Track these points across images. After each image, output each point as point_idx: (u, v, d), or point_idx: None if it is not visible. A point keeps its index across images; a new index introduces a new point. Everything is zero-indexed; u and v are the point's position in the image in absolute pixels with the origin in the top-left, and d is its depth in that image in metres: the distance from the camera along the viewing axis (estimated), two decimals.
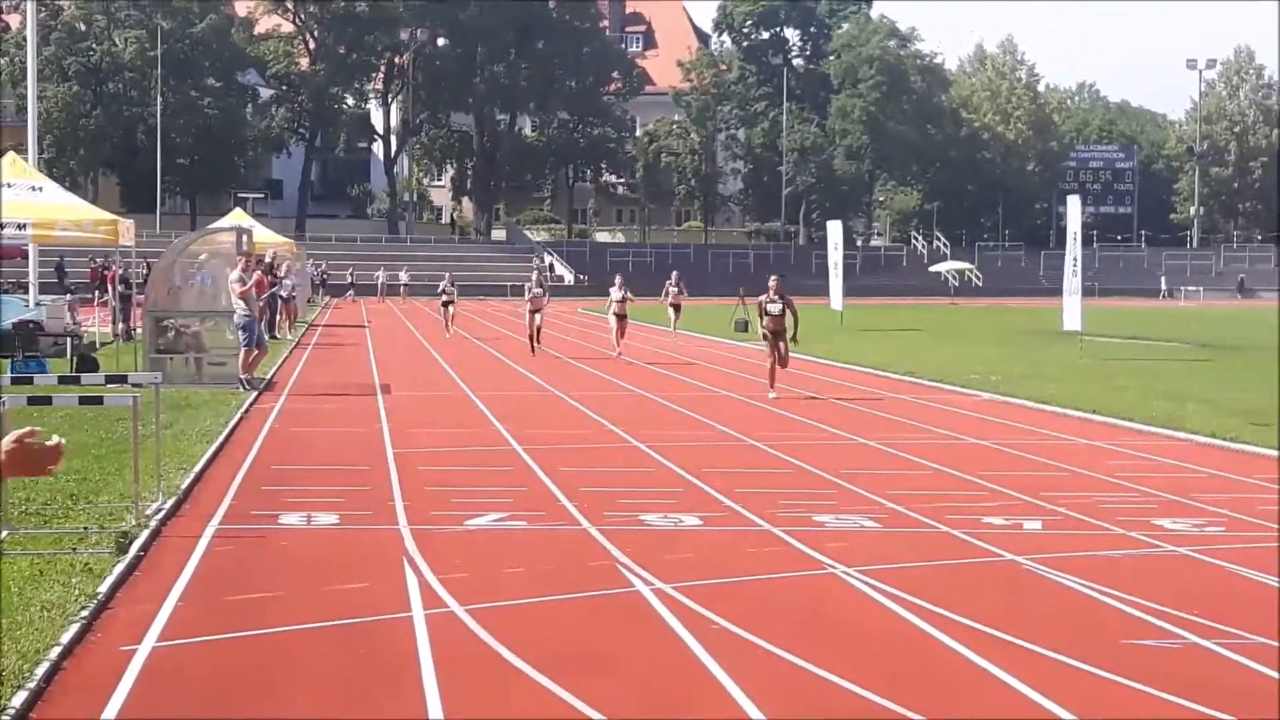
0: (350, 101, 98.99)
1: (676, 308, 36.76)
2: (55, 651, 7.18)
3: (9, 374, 18.90)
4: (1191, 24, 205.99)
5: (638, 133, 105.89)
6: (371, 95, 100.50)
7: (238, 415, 17.90)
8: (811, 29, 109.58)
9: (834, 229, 48.44)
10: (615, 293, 30.29)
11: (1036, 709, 6.77)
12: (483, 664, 7.35)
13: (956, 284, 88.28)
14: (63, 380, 13.60)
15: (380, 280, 70.79)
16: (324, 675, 7.19)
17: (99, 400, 11.98)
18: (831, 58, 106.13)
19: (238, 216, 44.18)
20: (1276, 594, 9.13)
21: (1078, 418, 19.24)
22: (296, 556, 9.95)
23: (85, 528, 10.28)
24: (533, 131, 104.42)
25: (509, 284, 76.33)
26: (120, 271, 31.35)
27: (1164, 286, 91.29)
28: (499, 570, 9.50)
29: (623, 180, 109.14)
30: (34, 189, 22.13)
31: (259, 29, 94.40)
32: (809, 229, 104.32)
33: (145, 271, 31.08)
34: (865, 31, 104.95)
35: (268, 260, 33.42)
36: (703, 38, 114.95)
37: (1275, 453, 15.41)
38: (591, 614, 8.51)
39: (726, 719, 6.59)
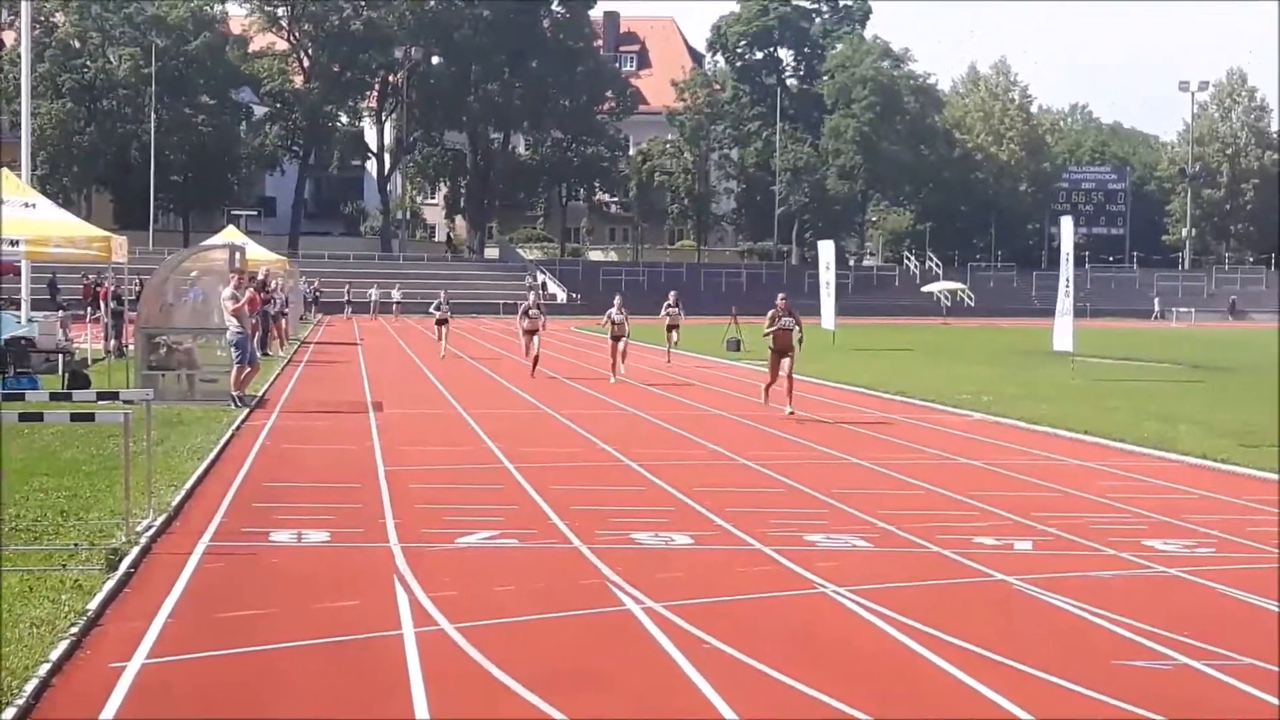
0: (344, 119, 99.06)
1: (674, 327, 35.56)
2: (45, 668, 7.17)
3: (1, 390, 18.89)
4: (1184, 46, 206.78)
5: (631, 152, 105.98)
6: (365, 113, 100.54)
7: (229, 432, 17.88)
8: (805, 49, 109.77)
9: (825, 249, 48.50)
10: (615, 314, 29.33)
11: None
12: (473, 682, 7.35)
13: (949, 304, 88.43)
14: (54, 396, 13.57)
15: (373, 298, 70.80)
16: (314, 693, 7.18)
17: (90, 417, 11.96)
18: (825, 78, 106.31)
19: (231, 234, 44.16)
20: (1267, 615, 9.14)
21: (1069, 438, 19.26)
22: (287, 574, 9.94)
23: (75, 544, 10.26)
24: (526, 150, 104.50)
25: (501, 302, 76.35)
26: (113, 288, 31.34)
27: (1157, 308, 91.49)
28: (490, 588, 9.50)
29: (616, 199, 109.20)
30: (27, 205, 22.10)
31: (253, 47, 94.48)
32: (802, 248, 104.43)
33: (138, 288, 31.07)
34: (859, 52, 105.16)
35: (260, 278, 33.42)
36: (696, 57, 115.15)
37: (1267, 474, 15.43)
38: (582, 632, 8.51)
39: None
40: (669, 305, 35.70)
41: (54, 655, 7.39)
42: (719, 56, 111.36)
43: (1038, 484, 15.05)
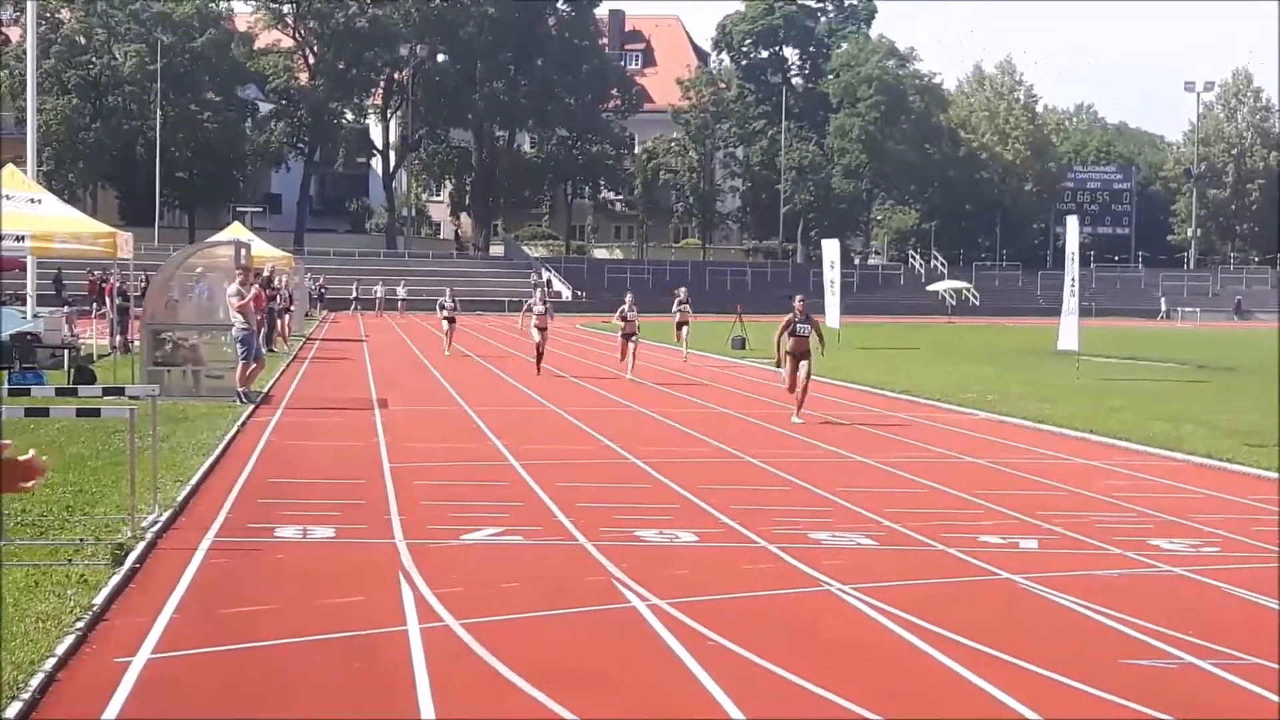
0: (349, 116, 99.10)
1: (684, 325, 34.83)
2: (50, 663, 7.17)
3: (6, 385, 18.92)
4: (1190, 46, 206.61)
5: (636, 150, 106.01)
6: (371, 110, 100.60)
7: (234, 428, 17.89)
8: (810, 48, 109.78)
9: (829, 247, 48.44)
10: (628, 311, 28.77)
11: None
12: (478, 678, 7.35)
13: (954, 303, 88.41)
14: (60, 392, 13.59)
15: (379, 295, 70.88)
16: (319, 689, 7.18)
17: (96, 412, 11.99)
18: (830, 77, 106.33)
19: (236, 230, 44.26)
20: (1273, 615, 9.13)
21: (1074, 437, 19.24)
22: (292, 570, 9.94)
23: (81, 539, 10.27)
24: (531, 148, 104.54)
25: (507, 299, 76.37)
26: (118, 284, 31.35)
27: (1163, 307, 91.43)
28: (495, 585, 9.49)
29: (621, 197, 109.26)
30: (33, 201, 22.13)
31: (259, 44, 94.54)
32: (807, 247, 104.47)
33: (143, 284, 31.08)
34: (864, 51, 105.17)
35: (265, 274, 33.45)
36: (702, 56, 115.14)
37: (1272, 474, 15.42)
38: (587, 629, 8.51)
39: None
40: (680, 302, 34.95)
41: (60, 650, 7.40)
42: (724, 55, 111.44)
43: (1043, 483, 15.04)
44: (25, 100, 40.41)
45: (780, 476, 15.13)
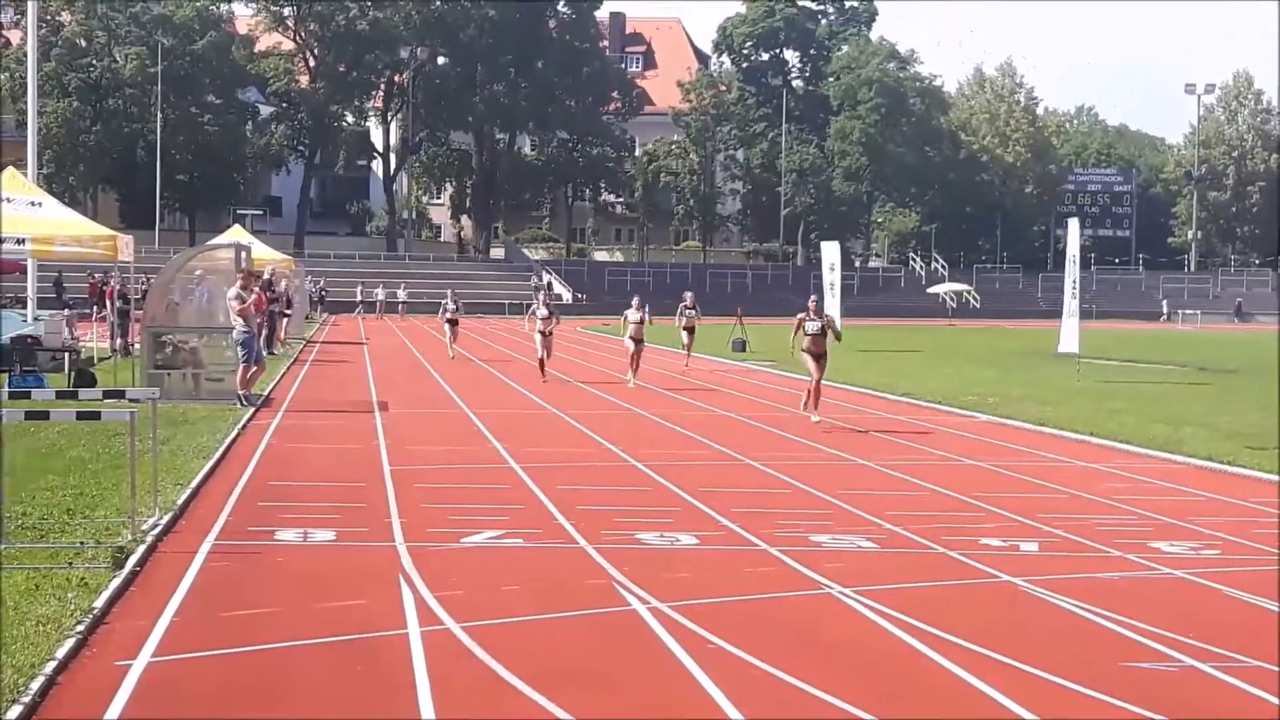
0: (350, 119, 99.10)
1: (690, 330, 33.84)
2: (50, 666, 7.18)
3: (7, 388, 18.92)
4: (1190, 49, 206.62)
5: (637, 152, 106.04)
6: (371, 113, 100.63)
7: (235, 431, 17.89)
8: (811, 51, 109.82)
9: (829, 249, 48.47)
10: (633, 314, 28.04)
11: None
12: (478, 681, 7.35)
13: (954, 305, 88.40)
14: (60, 395, 13.60)
15: (379, 298, 70.92)
16: (319, 692, 7.18)
17: (96, 415, 11.97)
18: (831, 79, 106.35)
19: (237, 233, 44.23)
20: (1273, 617, 9.13)
21: (1075, 440, 19.24)
22: (292, 573, 9.94)
23: (81, 543, 10.27)
24: (532, 150, 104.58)
25: (507, 302, 76.42)
26: (119, 287, 31.36)
27: (1165, 310, 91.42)
28: (495, 588, 9.49)
29: (621, 200, 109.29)
30: (33, 204, 22.12)
31: (259, 46, 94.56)
32: (807, 250, 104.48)
33: (144, 287, 31.09)
34: (865, 54, 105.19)
35: (266, 277, 33.44)
36: (702, 58, 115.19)
37: (1272, 477, 15.42)
38: (588, 632, 8.51)
39: None
40: (685, 307, 34.08)
41: (60, 653, 7.40)
42: (725, 57, 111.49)
43: (1043, 485, 15.04)
44: (26, 103, 40.43)
45: (781, 479, 15.13)
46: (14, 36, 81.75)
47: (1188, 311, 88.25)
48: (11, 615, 8.03)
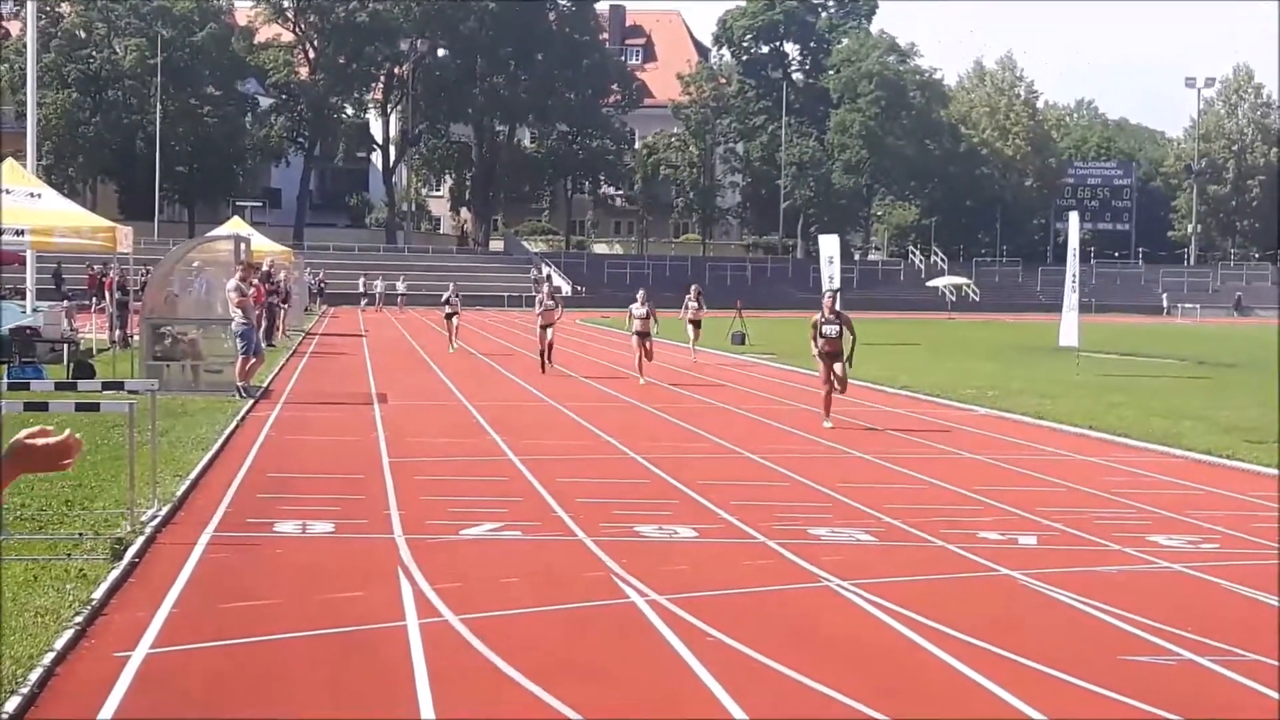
0: (349, 111, 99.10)
1: (696, 324, 33.56)
2: (49, 657, 7.17)
3: (6, 379, 18.89)
4: (1190, 42, 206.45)
5: (636, 145, 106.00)
6: (371, 105, 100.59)
7: (234, 423, 17.89)
8: (811, 44, 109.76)
9: (827, 242, 48.26)
10: (638, 309, 27.13)
11: None
12: (477, 674, 7.35)
13: (954, 299, 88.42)
14: (59, 386, 13.57)
15: (379, 290, 70.90)
16: (318, 684, 7.18)
17: (95, 407, 11.97)
18: (831, 72, 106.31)
19: (236, 225, 44.20)
20: (1272, 611, 9.13)
21: (1074, 433, 19.24)
22: (291, 565, 9.94)
23: (80, 534, 10.26)
24: (531, 143, 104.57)
25: (506, 294, 76.43)
26: (118, 278, 31.33)
27: (1165, 303, 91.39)
28: (494, 580, 9.49)
29: (621, 192, 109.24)
30: (32, 195, 22.12)
31: (259, 38, 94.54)
32: (807, 242, 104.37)
33: (143, 279, 31.07)
34: (865, 47, 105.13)
35: (265, 269, 33.43)
36: (702, 51, 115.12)
37: (1272, 470, 15.42)
38: (586, 625, 8.50)
39: None
40: (690, 300, 33.91)
41: (59, 644, 7.40)
42: (725, 50, 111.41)
43: (1042, 479, 15.04)
44: (25, 94, 40.40)
45: (780, 472, 15.13)
46: (14, 28, 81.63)
47: (1187, 305, 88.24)
48: (10, 606, 8.02)
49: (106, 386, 13.49)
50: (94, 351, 27.67)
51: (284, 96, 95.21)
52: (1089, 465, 16.24)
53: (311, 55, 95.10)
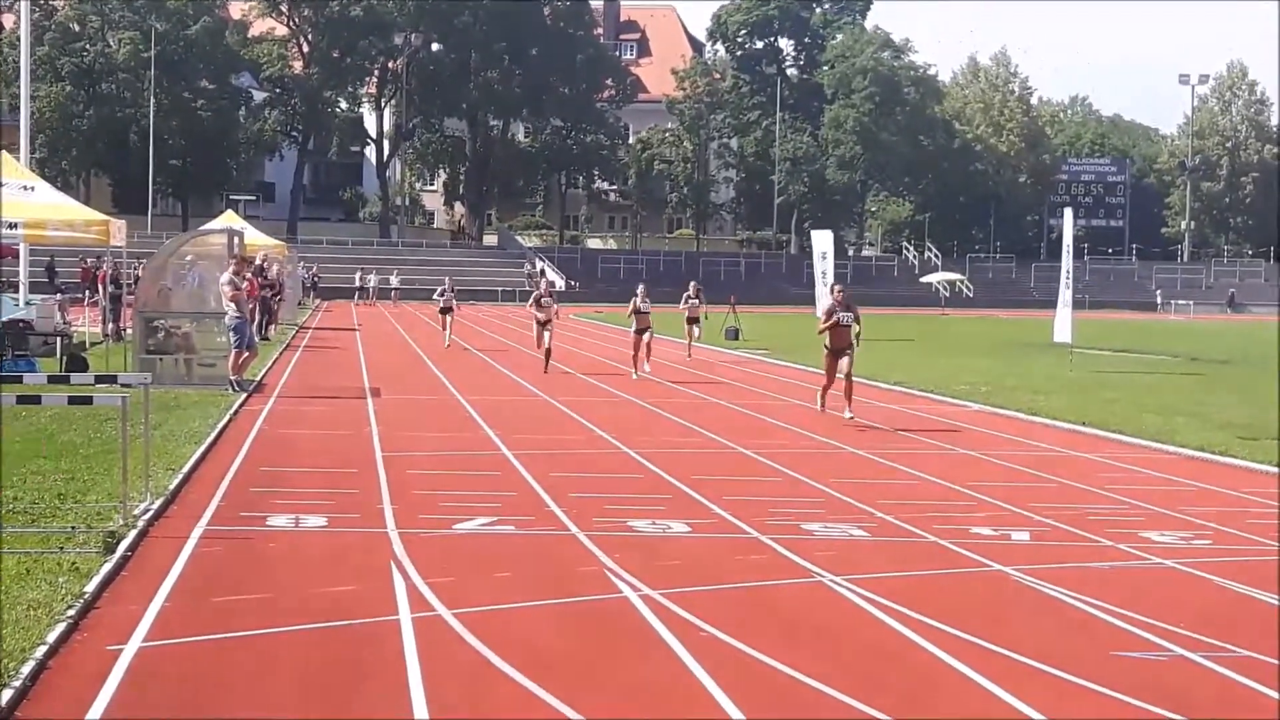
0: (343, 105, 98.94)
1: (694, 320, 33.31)
2: (41, 650, 7.17)
3: None
4: (1184, 39, 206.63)
5: (630, 140, 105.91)
6: (365, 99, 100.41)
7: (227, 417, 17.87)
8: (805, 39, 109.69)
9: (819, 238, 48.34)
10: (640, 304, 26.91)
11: (1023, 718, 6.77)
12: (469, 668, 7.35)
13: (947, 295, 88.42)
14: (52, 380, 13.56)
15: (371, 284, 70.87)
16: (310, 677, 7.18)
17: (88, 400, 11.96)
18: (825, 68, 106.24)
19: (229, 219, 44.14)
20: (1264, 607, 9.14)
21: (1067, 430, 19.26)
22: (284, 558, 9.93)
23: (73, 527, 10.26)
24: (525, 137, 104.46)
25: (500, 289, 76.39)
26: (111, 272, 31.31)
27: (1159, 300, 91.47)
28: (487, 575, 9.49)
29: (615, 187, 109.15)
30: (25, 188, 22.06)
31: (253, 32, 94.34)
32: (801, 238, 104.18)
33: (136, 272, 31.04)
34: (859, 42, 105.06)
35: (258, 263, 33.41)
36: (696, 46, 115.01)
37: (1264, 467, 15.45)
38: (579, 619, 8.51)
39: None
40: (689, 296, 33.50)
41: (51, 638, 7.39)
42: (719, 45, 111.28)
43: (1035, 475, 15.05)
44: (19, 87, 40.24)
45: (773, 468, 15.14)
46: (7, 21, 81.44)
47: (1180, 302, 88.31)
48: (2, 600, 8.01)
49: (99, 380, 13.49)
50: (87, 345, 27.66)
51: (278, 90, 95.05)
52: (1082, 461, 16.25)
53: (305, 49, 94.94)
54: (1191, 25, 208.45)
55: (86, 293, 41.35)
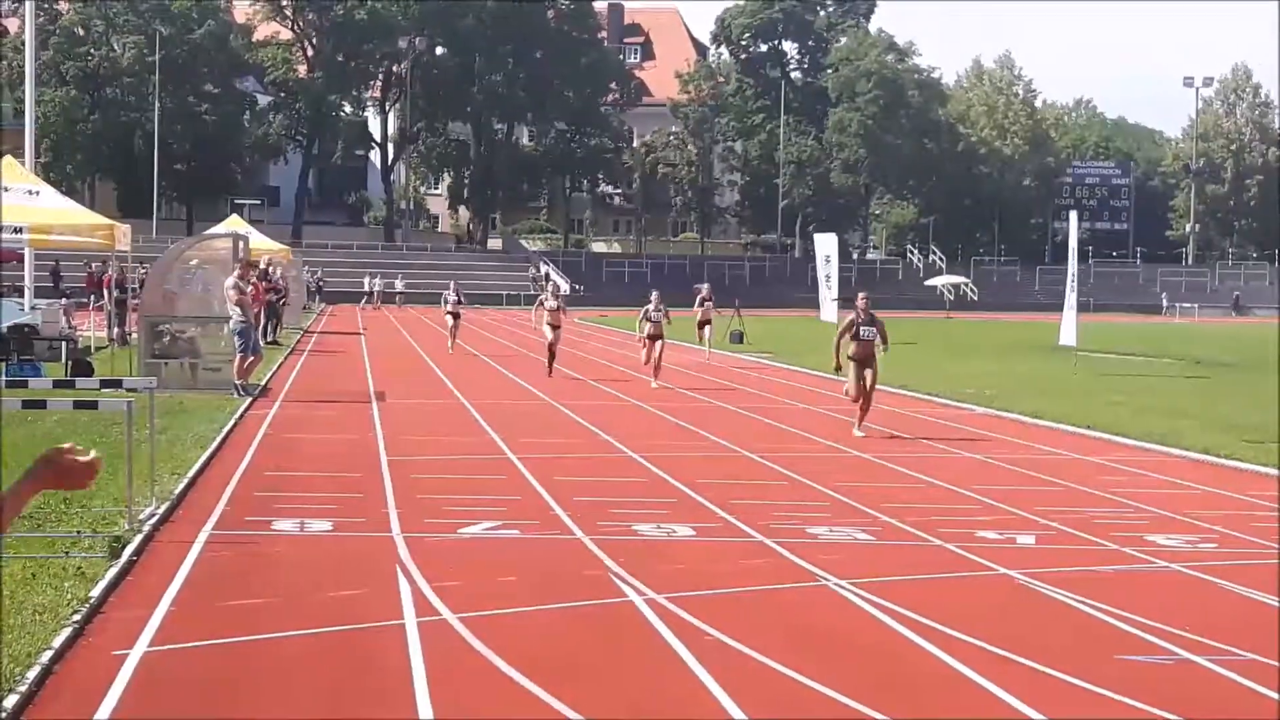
0: (348, 109, 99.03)
1: (707, 324, 32.89)
2: (47, 655, 7.17)
3: (4, 377, 18.89)
4: (1189, 42, 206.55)
5: (635, 144, 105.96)
6: (369, 103, 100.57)
7: (232, 421, 17.88)
8: (809, 42, 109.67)
9: (823, 241, 48.30)
10: (652, 311, 26.20)
11: None
12: (475, 672, 7.35)
13: (952, 298, 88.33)
14: (57, 384, 13.58)
15: (376, 288, 70.89)
16: (316, 682, 7.19)
17: (93, 405, 11.98)
18: (829, 71, 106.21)
19: (234, 223, 44.18)
20: (1269, 610, 9.13)
21: (1072, 433, 19.24)
22: (289, 563, 9.94)
23: (78, 532, 10.26)
24: (530, 141, 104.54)
25: (505, 293, 76.38)
26: (116, 276, 31.32)
27: (1163, 303, 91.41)
28: (492, 579, 9.49)
29: (619, 191, 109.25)
30: (31, 193, 22.10)
31: (257, 36, 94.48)
32: (805, 241, 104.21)
33: (141, 276, 31.06)
34: (863, 45, 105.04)
35: (263, 267, 33.44)
36: (701, 50, 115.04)
37: (1269, 470, 15.43)
38: (584, 623, 8.51)
39: None
40: (703, 298, 33.18)
41: (56, 642, 7.39)
42: (723, 49, 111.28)
43: (1040, 478, 15.04)
44: (23, 92, 40.34)
45: (778, 471, 15.13)
46: (12, 25, 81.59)
47: (1185, 305, 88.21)
48: (8, 604, 8.02)
49: (105, 384, 13.48)
50: (92, 349, 27.67)
51: (282, 94, 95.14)
52: (1087, 464, 16.24)
53: (310, 53, 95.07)
54: (1196, 28, 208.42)
55: (91, 297, 41.34)
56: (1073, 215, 34.82)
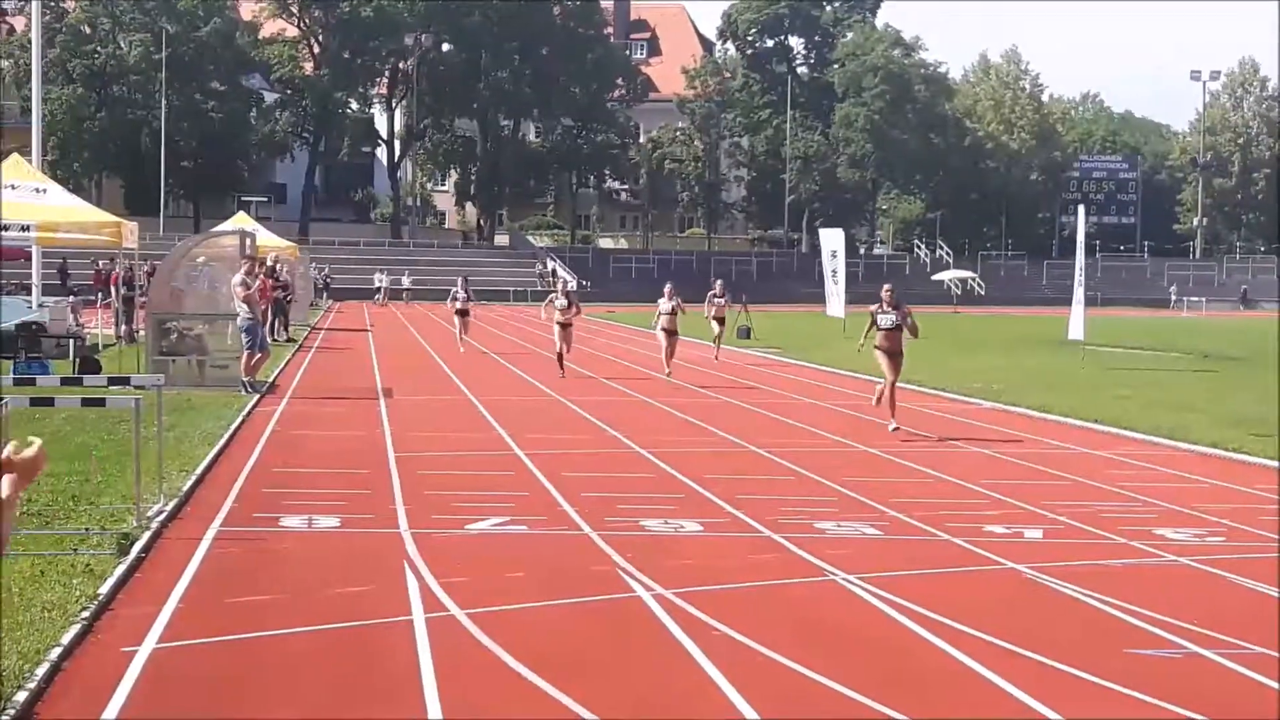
0: (354, 106, 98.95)
1: (720, 320, 32.55)
2: (56, 652, 7.19)
3: (11, 375, 18.93)
4: (1196, 35, 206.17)
5: (641, 139, 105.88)
6: (375, 100, 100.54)
7: (240, 418, 17.90)
8: (816, 37, 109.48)
9: (829, 236, 48.18)
10: (665, 304, 26.32)
11: (1037, 717, 6.77)
12: (483, 668, 7.36)
13: (959, 293, 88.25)
14: (65, 382, 13.61)
15: (383, 284, 70.91)
16: (324, 678, 7.20)
17: (101, 402, 11.99)
18: (836, 66, 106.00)
19: (241, 220, 44.18)
20: (1276, 604, 9.13)
21: (1080, 427, 19.23)
22: (297, 559, 9.95)
23: (87, 529, 10.28)
24: (536, 137, 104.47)
25: (512, 289, 76.39)
26: (123, 274, 31.37)
27: (1171, 297, 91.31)
28: (500, 575, 9.50)
29: (626, 187, 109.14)
30: (38, 191, 22.12)
31: (264, 33, 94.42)
32: (812, 236, 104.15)
33: (148, 274, 31.10)
34: (870, 40, 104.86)
35: (270, 264, 33.44)
36: (707, 45, 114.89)
37: (1276, 464, 15.41)
38: (592, 619, 8.51)
39: None
40: (714, 295, 32.83)
41: (65, 639, 7.41)
42: (729, 44, 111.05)
43: (1048, 472, 15.03)
44: (30, 90, 40.36)
45: (785, 466, 15.13)
46: (18, 23, 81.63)
47: (1193, 299, 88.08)
48: (17, 601, 8.04)
49: (112, 382, 13.52)
50: (100, 347, 27.72)
51: (289, 91, 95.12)
52: (1095, 459, 16.23)
53: (316, 50, 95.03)
54: (1203, 21, 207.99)
55: (99, 295, 41.41)
56: (1080, 209, 34.74)
